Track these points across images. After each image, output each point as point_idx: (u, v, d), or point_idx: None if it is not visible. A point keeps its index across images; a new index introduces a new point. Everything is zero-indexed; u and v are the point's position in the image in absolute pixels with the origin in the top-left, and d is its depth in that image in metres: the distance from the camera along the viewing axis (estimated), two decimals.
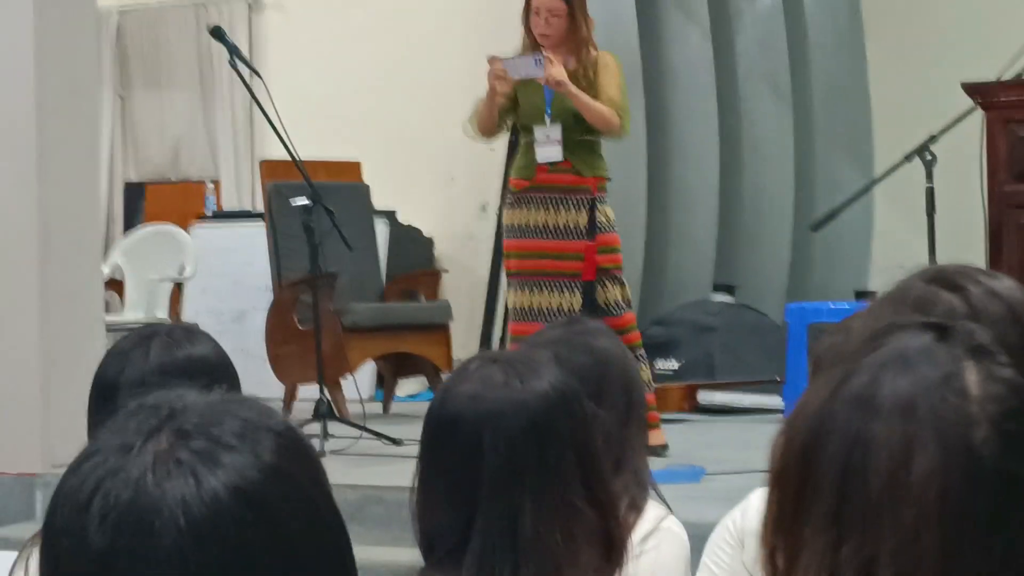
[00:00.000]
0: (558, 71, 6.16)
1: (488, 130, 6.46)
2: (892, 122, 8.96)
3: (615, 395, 2.79)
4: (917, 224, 6.12)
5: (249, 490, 1.08)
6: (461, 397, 2.14)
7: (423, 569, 2.12)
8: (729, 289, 9.02)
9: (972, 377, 1.12)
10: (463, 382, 2.16)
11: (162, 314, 8.67)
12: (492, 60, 6.26)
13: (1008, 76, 5.66)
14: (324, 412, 6.82)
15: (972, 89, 5.52)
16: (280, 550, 1.08)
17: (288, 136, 6.78)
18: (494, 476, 2.08)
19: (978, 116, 5.58)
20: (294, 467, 1.12)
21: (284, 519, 1.09)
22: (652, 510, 2.76)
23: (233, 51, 6.92)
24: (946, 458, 1.08)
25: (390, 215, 9.73)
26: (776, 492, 1.16)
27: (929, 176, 5.92)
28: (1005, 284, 1.73)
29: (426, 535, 2.13)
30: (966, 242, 5.79)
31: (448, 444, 2.13)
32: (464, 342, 9.27)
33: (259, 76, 7.12)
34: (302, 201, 6.98)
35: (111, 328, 7.51)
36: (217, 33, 7.03)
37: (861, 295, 8.19)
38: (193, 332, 2.65)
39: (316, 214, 6.97)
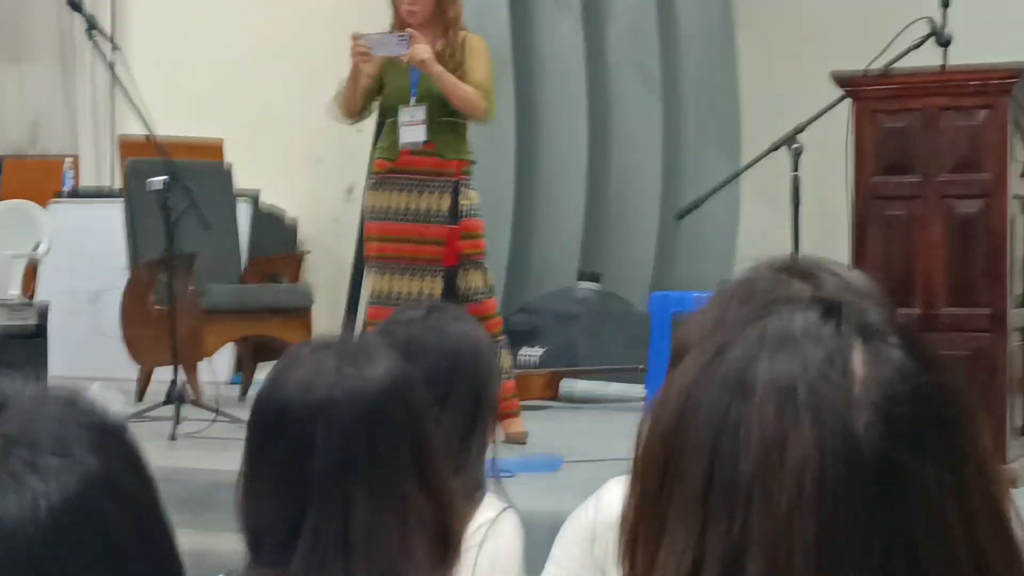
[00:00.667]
0: (422, 49, 6.04)
1: (352, 111, 6.33)
2: (762, 113, 8.95)
3: (467, 384, 2.71)
4: (783, 215, 6.07)
5: (75, 501, 1.01)
6: (291, 385, 2.02)
7: (248, 566, 1.99)
8: (595, 277, 8.96)
9: (858, 358, 1.02)
10: (294, 369, 2.04)
11: (15, 291, 8.43)
12: (355, 37, 6.14)
13: (877, 67, 5.62)
14: (177, 396, 6.66)
15: (841, 80, 5.48)
16: (108, 559, 1.03)
17: (147, 113, 6.62)
18: (326, 468, 1.97)
19: (846, 107, 5.53)
20: (118, 471, 1.05)
21: (110, 529, 1.03)
22: (492, 502, 2.67)
23: (91, 22, 6.75)
24: (824, 442, 0.99)
25: (253, 196, 9.57)
26: (639, 475, 1.07)
27: (795, 166, 5.86)
28: (857, 276, 1.69)
29: (252, 530, 2.00)
30: (831, 233, 5.76)
31: (277, 434, 2.00)
32: (328, 326, 9.12)
33: (118, 48, 6.95)
34: (159, 179, 6.81)
35: None
36: (74, 3, 6.84)
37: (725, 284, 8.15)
38: None
39: (173, 193, 6.81)
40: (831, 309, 1.06)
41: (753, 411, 1.00)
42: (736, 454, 1.00)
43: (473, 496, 2.65)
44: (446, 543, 2.03)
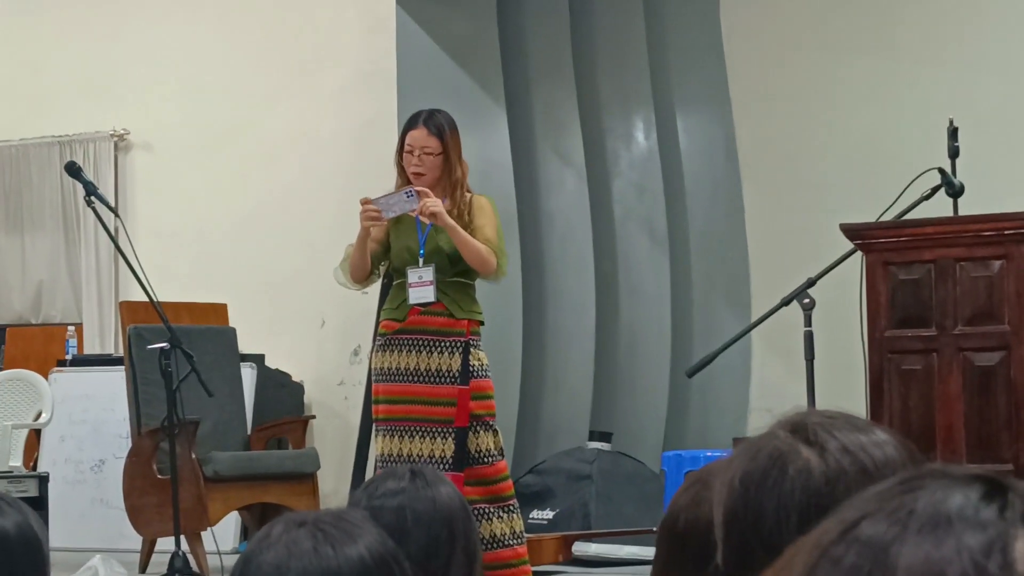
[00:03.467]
0: (433, 202, 6.02)
1: (360, 277, 6.29)
2: (770, 267, 8.92)
3: (463, 547, 2.63)
4: (796, 370, 6.02)
5: None
6: (264, 568, 1.90)
7: None
8: (605, 436, 8.88)
9: (1021, 551, 0.88)
10: (266, 550, 1.91)
11: (16, 462, 8.36)
12: (364, 202, 6.11)
13: (887, 217, 5.59)
14: (179, 567, 6.55)
15: (851, 231, 5.45)
16: None
17: (147, 277, 6.60)
18: None
19: (857, 260, 5.49)
20: None
21: None
22: None
23: (88, 188, 6.73)
24: None
25: (258, 359, 9.52)
26: None
27: (808, 320, 5.81)
28: (872, 439, 1.64)
29: None
30: (846, 388, 5.69)
31: None
32: (335, 491, 9.04)
33: (115, 213, 6.92)
34: (159, 345, 6.75)
35: None
36: (72, 169, 6.85)
37: (739, 442, 8.07)
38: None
39: (175, 358, 6.75)
40: (994, 490, 0.91)
41: None
42: None
43: None
44: None
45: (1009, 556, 0.86)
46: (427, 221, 6.10)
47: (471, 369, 6.10)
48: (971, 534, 0.87)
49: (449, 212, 6.17)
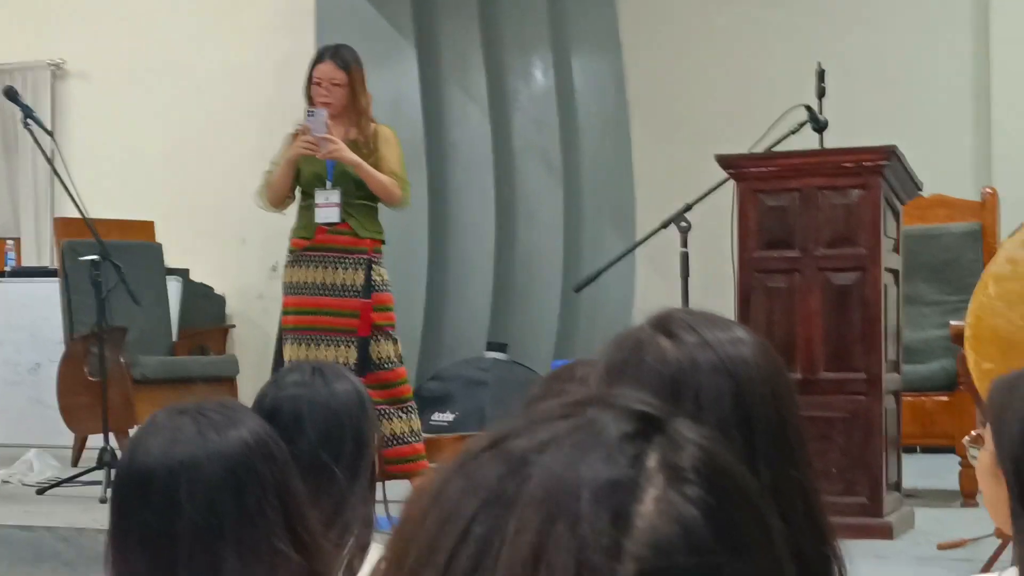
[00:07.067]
0: (333, 147, 5.92)
1: (278, 200, 6.17)
2: (654, 195, 8.88)
3: (354, 439, 2.59)
4: (674, 287, 5.94)
5: None
6: (153, 450, 1.83)
7: None
8: (501, 347, 8.82)
9: (647, 501, 0.71)
10: (153, 435, 1.85)
11: None
12: (302, 132, 5.98)
13: (758, 149, 5.52)
14: (108, 460, 6.42)
15: (725, 161, 5.37)
16: None
17: (79, 195, 6.42)
18: (192, 528, 1.79)
19: (730, 188, 5.42)
20: None
21: None
22: (379, 551, 2.52)
23: (26, 112, 6.55)
24: None
25: (183, 273, 9.36)
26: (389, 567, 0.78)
27: (684, 242, 5.74)
28: (732, 335, 1.59)
29: None
30: (718, 304, 5.60)
31: (141, 499, 1.81)
32: (253, 394, 8.92)
33: (51, 135, 6.74)
34: (90, 257, 6.60)
35: None
36: (10, 94, 6.68)
37: None
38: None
39: (104, 270, 6.60)
40: (648, 429, 0.75)
41: (510, 523, 0.72)
42: (476, 570, 0.72)
43: (363, 542, 2.51)
44: None
45: (631, 503, 0.72)
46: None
47: (373, 284, 6.01)
48: (599, 468, 0.72)
49: (355, 140, 6.07)
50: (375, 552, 2.53)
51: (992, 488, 2.24)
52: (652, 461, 0.73)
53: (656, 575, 0.70)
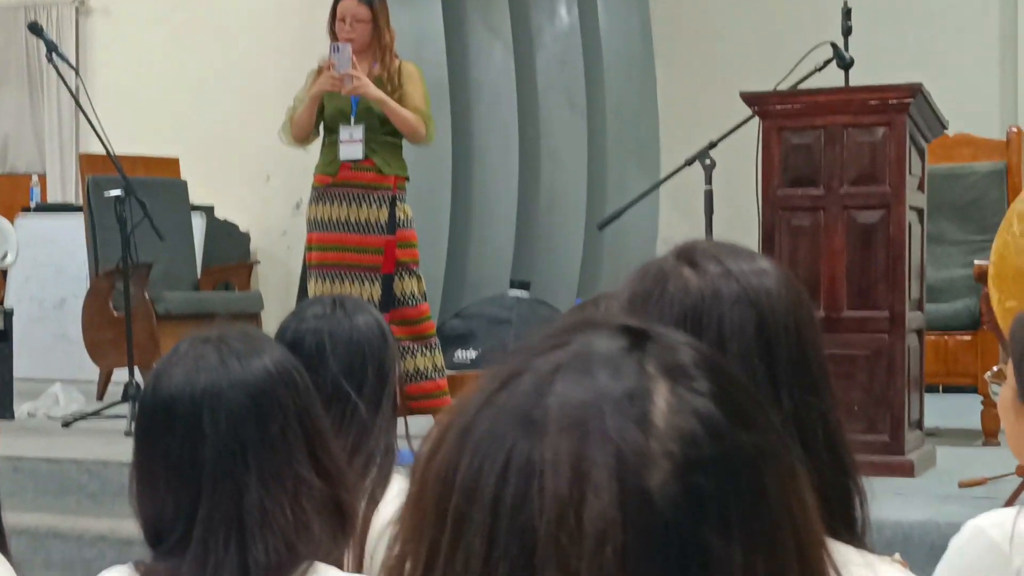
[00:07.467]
0: (358, 84, 5.89)
1: (302, 136, 6.15)
2: (679, 133, 8.85)
3: (375, 370, 2.61)
4: (698, 225, 5.92)
5: None
6: (176, 378, 1.84)
7: (150, 561, 1.81)
8: (524, 285, 8.82)
9: (660, 403, 0.78)
10: (176, 364, 1.87)
11: None
12: (327, 67, 5.96)
13: (783, 87, 5.49)
14: (133, 394, 6.45)
15: (750, 99, 5.35)
16: None
17: (104, 132, 6.42)
18: (216, 455, 1.81)
19: (755, 126, 5.40)
20: None
21: None
22: (400, 482, 2.56)
23: (51, 46, 6.54)
24: (625, 509, 0.74)
25: (208, 210, 9.38)
26: (407, 531, 0.81)
27: (708, 180, 5.72)
28: (756, 266, 1.60)
29: (151, 526, 1.83)
30: (742, 241, 5.62)
31: (165, 427, 1.83)
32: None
33: (75, 70, 6.74)
34: (115, 193, 6.60)
35: None
36: (35, 29, 6.65)
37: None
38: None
39: (129, 206, 6.61)
40: (638, 340, 0.81)
41: (546, 452, 0.76)
42: (526, 508, 0.75)
43: (384, 471, 2.54)
44: (342, 518, 1.87)
45: (648, 408, 0.77)
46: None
47: (397, 220, 6.00)
48: (613, 383, 0.78)
49: (379, 76, 6.04)
50: (397, 483, 2.55)
51: (1014, 423, 2.24)
52: (652, 367, 0.79)
53: (688, 467, 0.76)
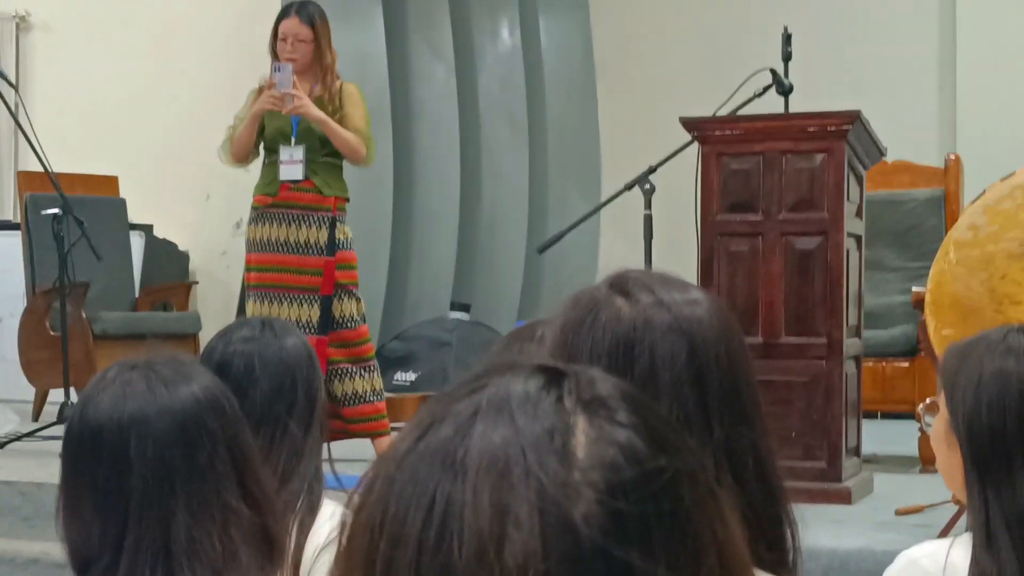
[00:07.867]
0: (299, 104, 5.87)
1: (242, 155, 6.12)
2: (620, 155, 8.86)
3: (305, 393, 2.60)
4: (638, 249, 5.94)
5: None
6: (103, 405, 1.82)
7: None
8: (465, 307, 8.82)
9: (580, 436, 0.80)
10: (103, 391, 1.84)
11: None
12: (269, 86, 5.94)
13: (723, 113, 5.51)
14: (68, 415, 6.39)
15: (689, 124, 5.36)
16: None
17: (43, 149, 6.37)
18: (143, 484, 1.79)
19: (695, 150, 5.41)
20: None
21: None
22: (330, 506, 2.56)
23: None
24: (546, 539, 0.77)
25: (147, 229, 9.33)
26: (344, 571, 0.83)
27: (648, 204, 5.73)
28: (688, 296, 1.62)
29: (78, 553, 1.80)
30: (680, 266, 5.60)
31: (92, 455, 1.81)
32: None
33: (14, 87, 6.68)
34: (53, 211, 6.56)
35: None
36: None
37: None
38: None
39: (67, 224, 6.56)
40: (554, 378, 0.84)
41: (467, 491, 0.78)
42: (446, 546, 0.78)
43: (312, 500, 2.53)
44: (270, 547, 1.85)
45: (569, 442, 0.80)
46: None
47: (337, 242, 5.98)
48: (531, 423, 0.80)
49: (320, 96, 6.03)
50: (327, 508, 2.54)
51: (946, 456, 2.25)
52: (570, 403, 0.82)
53: (611, 492, 0.78)
